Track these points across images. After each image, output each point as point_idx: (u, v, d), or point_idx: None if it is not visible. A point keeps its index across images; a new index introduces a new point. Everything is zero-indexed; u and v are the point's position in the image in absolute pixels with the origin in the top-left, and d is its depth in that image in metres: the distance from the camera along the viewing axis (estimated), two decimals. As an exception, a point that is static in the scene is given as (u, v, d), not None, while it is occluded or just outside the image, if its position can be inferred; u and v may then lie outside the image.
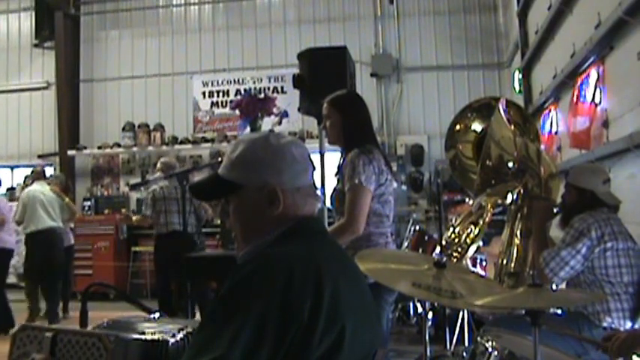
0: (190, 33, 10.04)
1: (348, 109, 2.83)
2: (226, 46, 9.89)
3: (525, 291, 1.96)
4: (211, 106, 9.81)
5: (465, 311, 4.36)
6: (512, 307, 2.21)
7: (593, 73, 4.68)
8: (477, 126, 3.40)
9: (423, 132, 9.28)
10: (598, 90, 4.56)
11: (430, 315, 2.92)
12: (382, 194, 2.72)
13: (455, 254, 3.30)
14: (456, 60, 9.33)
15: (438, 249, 3.52)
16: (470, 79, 9.28)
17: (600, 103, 4.52)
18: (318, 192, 1.74)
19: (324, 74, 3.73)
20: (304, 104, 3.89)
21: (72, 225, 7.62)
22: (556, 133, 6.07)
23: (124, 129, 9.55)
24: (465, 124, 3.44)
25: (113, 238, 8.75)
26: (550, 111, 6.34)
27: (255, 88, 9.29)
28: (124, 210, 9.15)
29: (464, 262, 3.51)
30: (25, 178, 7.68)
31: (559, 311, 2.74)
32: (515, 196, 3.07)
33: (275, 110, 8.16)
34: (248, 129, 7.40)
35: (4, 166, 10.38)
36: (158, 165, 5.95)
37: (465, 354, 3.83)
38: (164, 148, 9.39)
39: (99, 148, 9.75)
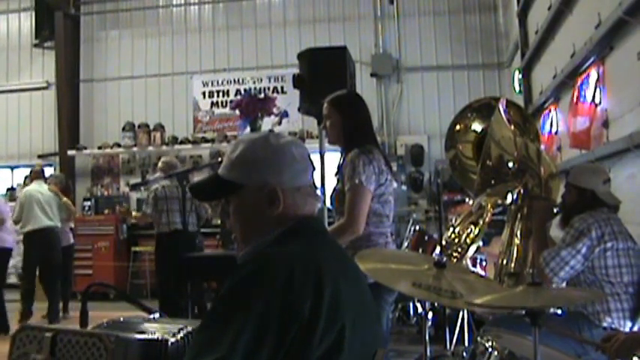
0: (190, 33, 10.04)
1: (348, 109, 2.83)
2: (226, 46, 9.89)
3: (525, 290, 1.96)
4: (211, 106, 9.81)
5: (465, 311, 4.36)
6: (511, 307, 2.20)
7: (593, 73, 4.68)
8: (477, 126, 3.40)
9: (423, 132, 9.28)
10: (598, 90, 4.56)
11: (430, 315, 2.91)
12: (382, 194, 2.71)
13: (455, 254, 3.30)
14: (456, 60, 9.32)
15: (438, 249, 3.52)
16: (470, 79, 9.28)
17: (600, 103, 4.52)
18: (318, 192, 1.74)
19: (324, 74, 3.73)
20: (304, 104, 3.89)
21: (72, 225, 7.62)
22: (556, 133, 6.07)
23: (124, 129, 9.55)
24: (465, 124, 3.45)
25: (113, 238, 8.75)
26: (550, 111, 6.34)
27: (255, 88, 9.28)
28: (124, 204, 9.16)
29: (464, 262, 3.51)
30: (25, 178, 7.68)
31: (559, 311, 2.74)
32: (515, 196, 3.08)
33: (275, 110, 8.14)
34: (248, 129, 7.39)
35: (4, 166, 10.38)
36: (159, 164, 5.96)
37: (465, 354, 3.84)
38: (164, 148, 9.38)
39: (99, 148, 9.74)
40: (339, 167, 2.80)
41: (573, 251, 2.68)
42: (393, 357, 4.63)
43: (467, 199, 5.32)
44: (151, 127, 9.50)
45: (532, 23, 7.04)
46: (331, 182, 2.97)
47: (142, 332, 1.53)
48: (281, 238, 1.35)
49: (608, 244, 2.67)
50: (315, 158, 1.63)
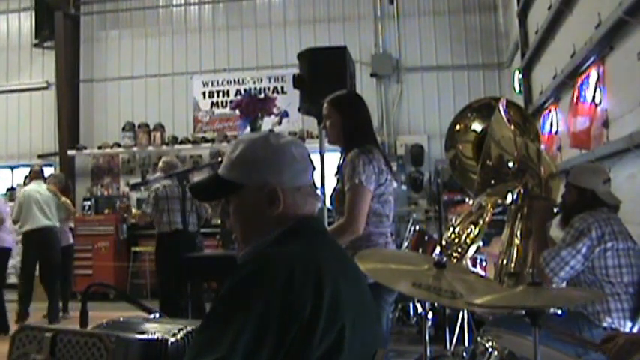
0: (190, 33, 10.03)
1: (348, 109, 2.83)
2: (226, 46, 9.89)
3: (525, 289, 1.95)
4: (211, 106, 9.81)
5: (465, 311, 4.36)
6: (511, 307, 2.20)
7: (593, 73, 4.68)
8: (477, 126, 3.40)
9: (423, 132, 9.28)
10: (598, 90, 4.56)
11: (430, 315, 2.91)
12: (382, 194, 2.71)
13: (455, 254, 3.30)
14: (456, 60, 9.32)
15: (438, 249, 3.52)
16: (470, 79, 9.28)
17: (600, 103, 4.52)
18: (318, 192, 1.74)
19: (324, 74, 3.73)
20: (304, 104, 3.89)
21: (72, 225, 7.62)
22: (556, 133, 6.07)
23: (124, 129, 9.55)
24: (465, 124, 3.45)
25: (113, 238, 8.75)
26: (550, 111, 6.34)
27: (255, 88, 9.28)
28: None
29: (464, 262, 3.51)
30: (25, 178, 7.69)
31: (559, 311, 2.74)
32: (515, 196, 3.08)
33: (275, 110, 8.16)
34: (248, 129, 7.40)
35: (4, 166, 10.38)
36: (160, 164, 5.96)
37: (465, 354, 3.84)
38: (164, 148, 9.38)
39: (99, 148, 9.74)
40: (339, 167, 2.80)
41: (573, 251, 2.68)
42: (393, 357, 4.63)
43: (467, 199, 5.32)
44: (151, 127, 9.50)
45: (532, 23, 7.04)
46: (331, 182, 2.97)
47: (142, 332, 1.52)
48: (281, 238, 1.35)
49: (608, 244, 2.67)
50: (315, 158, 1.63)
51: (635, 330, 2.66)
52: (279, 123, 8.49)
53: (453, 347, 4.33)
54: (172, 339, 1.50)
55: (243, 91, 9.11)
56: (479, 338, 2.63)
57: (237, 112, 7.48)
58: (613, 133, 4.30)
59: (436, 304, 3.69)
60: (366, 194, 2.63)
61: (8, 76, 10.46)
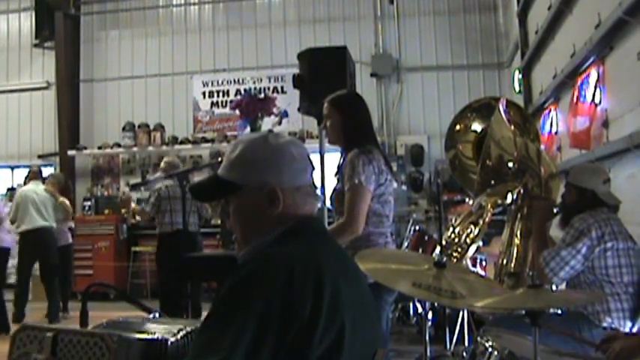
0: (190, 33, 10.03)
1: (348, 109, 2.83)
2: (226, 46, 9.88)
3: (525, 292, 1.96)
4: (211, 106, 9.81)
5: (465, 311, 4.35)
6: (512, 308, 2.20)
7: (593, 73, 4.68)
8: (477, 126, 3.41)
9: (423, 132, 9.27)
10: (598, 90, 4.56)
11: (430, 315, 2.91)
12: (382, 194, 2.71)
13: (455, 254, 3.30)
14: (456, 60, 9.32)
15: (438, 249, 3.52)
16: (470, 79, 9.28)
17: (600, 103, 4.52)
18: (318, 192, 1.74)
19: (324, 74, 3.72)
20: (304, 104, 3.89)
21: (71, 225, 7.62)
22: (556, 133, 6.07)
23: (124, 129, 9.55)
24: (465, 124, 3.45)
25: (113, 238, 8.75)
26: (550, 111, 6.34)
27: (255, 88, 9.28)
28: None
29: (464, 262, 3.51)
30: (25, 178, 7.68)
31: (559, 311, 2.74)
32: (515, 196, 3.08)
33: (275, 110, 8.17)
34: (248, 129, 7.42)
35: (4, 166, 10.38)
36: (162, 164, 5.97)
37: (465, 354, 3.83)
38: (164, 148, 9.38)
39: (99, 148, 9.74)
40: (339, 167, 2.80)
41: (573, 251, 2.68)
42: (393, 357, 4.63)
43: (467, 199, 5.32)
44: (151, 127, 9.49)
45: (532, 23, 7.04)
46: (331, 182, 2.97)
47: (142, 332, 1.53)
48: (281, 238, 1.35)
49: (608, 244, 2.67)
50: (315, 158, 1.63)
51: (635, 330, 2.66)
52: (279, 123, 8.50)
53: (453, 347, 4.33)
54: (172, 339, 1.51)
55: (243, 91, 9.11)
56: (479, 338, 2.63)
57: (237, 112, 7.50)
58: (613, 133, 4.30)
59: (436, 304, 3.70)
60: (365, 194, 2.63)
61: (8, 76, 10.46)
